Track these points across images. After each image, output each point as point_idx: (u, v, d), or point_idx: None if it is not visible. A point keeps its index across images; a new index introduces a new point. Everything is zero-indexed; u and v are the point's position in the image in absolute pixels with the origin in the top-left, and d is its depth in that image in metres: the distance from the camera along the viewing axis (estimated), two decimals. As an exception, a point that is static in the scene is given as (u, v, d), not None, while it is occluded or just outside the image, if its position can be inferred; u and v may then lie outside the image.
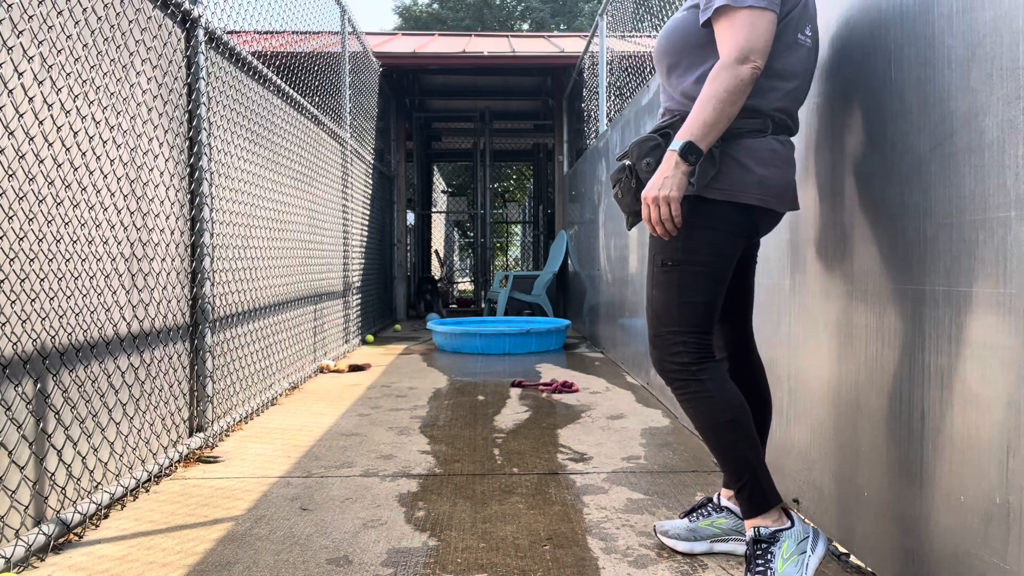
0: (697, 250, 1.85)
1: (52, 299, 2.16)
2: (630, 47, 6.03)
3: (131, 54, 2.65)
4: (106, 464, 2.44)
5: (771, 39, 1.78)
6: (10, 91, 1.98)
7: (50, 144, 2.16)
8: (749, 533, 1.84)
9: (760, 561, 1.81)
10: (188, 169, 3.15)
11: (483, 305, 10.36)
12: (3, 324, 1.95)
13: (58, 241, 2.20)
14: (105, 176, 2.46)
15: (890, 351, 1.79)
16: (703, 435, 1.89)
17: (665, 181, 1.76)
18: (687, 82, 1.92)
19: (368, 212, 7.76)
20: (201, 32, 3.19)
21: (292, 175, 4.74)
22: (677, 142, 1.76)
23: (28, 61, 2.05)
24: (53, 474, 2.15)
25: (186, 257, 3.12)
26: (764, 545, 1.81)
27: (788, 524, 1.82)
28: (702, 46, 1.89)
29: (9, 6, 1.98)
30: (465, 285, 18.44)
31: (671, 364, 1.89)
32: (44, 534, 2.03)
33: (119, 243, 2.54)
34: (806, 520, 1.93)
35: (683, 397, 1.89)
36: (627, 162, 1.93)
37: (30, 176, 2.07)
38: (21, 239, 2.03)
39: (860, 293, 1.92)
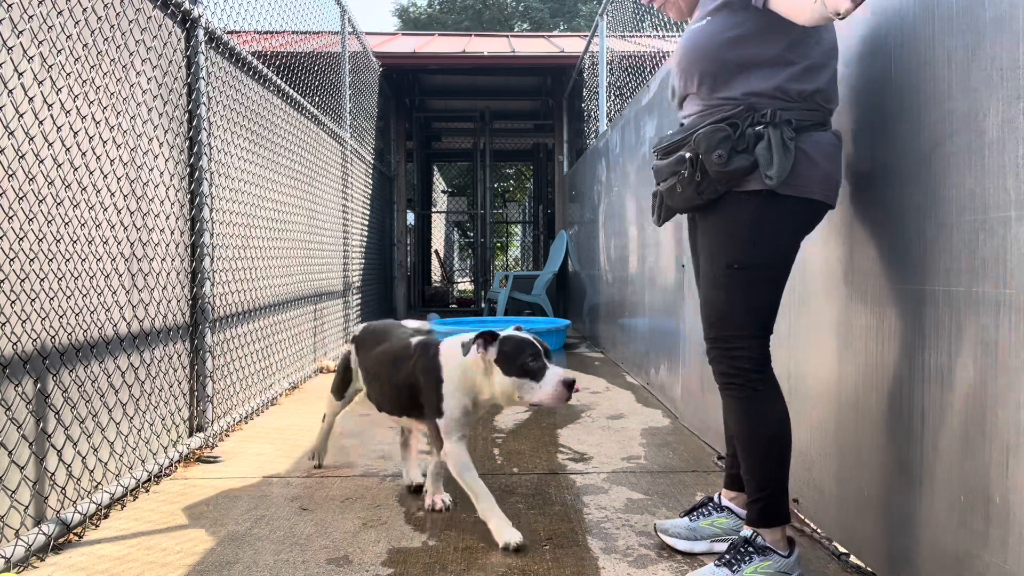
0: (764, 253, 1.78)
1: (52, 299, 2.16)
2: (630, 47, 6.03)
3: (131, 54, 2.65)
4: (106, 464, 2.44)
5: None
6: (10, 91, 1.98)
7: (50, 144, 2.16)
8: (746, 532, 1.84)
9: (736, 557, 1.82)
10: (188, 169, 3.15)
11: (483, 305, 10.36)
12: (3, 324, 1.95)
13: (58, 241, 2.20)
14: (105, 176, 2.46)
15: (890, 351, 1.79)
16: (741, 442, 1.85)
17: None
18: (756, 75, 1.79)
19: (368, 212, 7.76)
20: (201, 32, 3.19)
21: (292, 175, 4.74)
22: None
23: (28, 61, 2.05)
24: (53, 474, 2.15)
25: (186, 257, 3.12)
26: (750, 549, 1.82)
27: (785, 552, 1.82)
28: (758, 32, 1.79)
29: (9, 6, 1.97)
30: (465, 285, 18.43)
31: (731, 369, 1.83)
32: (44, 534, 2.03)
33: (119, 243, 2.54)
34: (803, 561, 1.91)
35: (734, 402, 1.84)
36: (687, 154, 1.83)
37: (30, 176, 2.07)
38: (21, 239, 2.03)
39: (860, 293, 1.92)
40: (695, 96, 1.92)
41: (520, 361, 2.12)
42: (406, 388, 2.37)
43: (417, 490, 2.61)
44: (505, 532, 2.12)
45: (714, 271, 1.85)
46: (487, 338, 2.17)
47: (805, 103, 1.78)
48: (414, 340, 2.42)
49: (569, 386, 2.09)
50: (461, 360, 2.23)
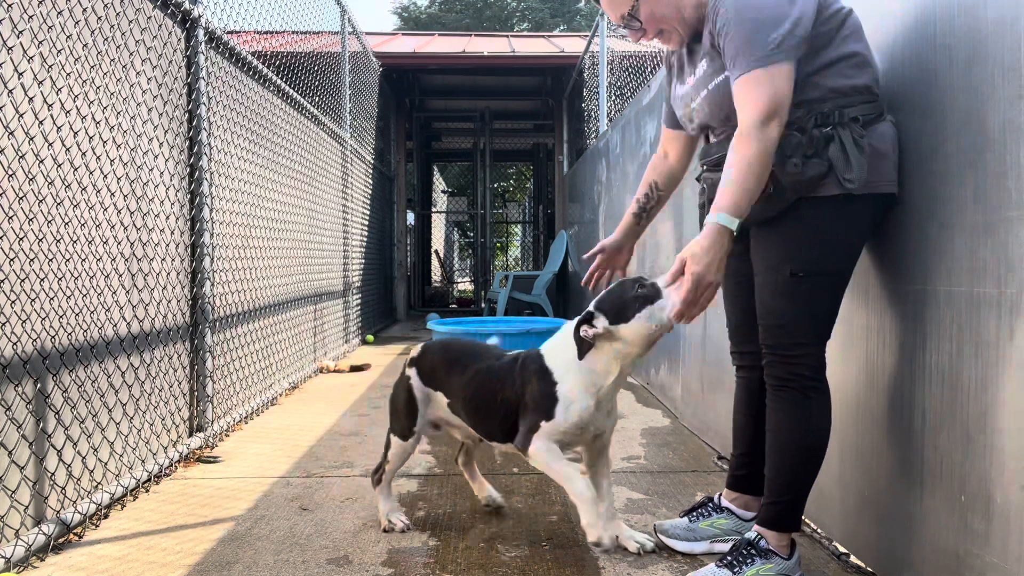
0: (832, 259, 1.74)
1: (52, 299, 2.16)
2: (630, 47, 6.03)
3: (131, 54, 2.65)
4: (106, 464, 2.44)
5: (791, 89, 1.67)
6: (10, 91, 1.98)
7: (50, 144, 2.16)
8: (751, 534, 1.84)
9: (738, 559, 1.81)
10: (188, 169, 3.15)
11: (483, 305, 10.36)
12: (3, 324, 1.95)
13: (58, 241, 2.19)
14: (105, 176, 2.46)
15: (890, 351, 1.79)
16: (778, 444, 1.82)
17: (720, 264, 1.63)
18: (802, 90, 1.71)
19: (368, 212, 7.76)
20: (201, 32, 3.19)
21: (292, 175, 4.74)
22: (730, 217, 1.62)
23: (28, 61, 2.05)
24: (53, 474, 2.15)
25: (186, 257, 3.12)
26: (753, 551, 1.81)
27: (786, 555, 1.82)
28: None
29: (9, 6, 1.97)
30: (465, 285, 18.43)
31: (787, 374, 1.80)
32: (44, 534, 2.03)
33: (119, 243, 2.54)
34: (803, 562, 1.90)
35: (784, 404, 1.81)
36: None
37: (30, 176, 2.06)
38: (21, 239, 2.03)
39: (860, 293, 1.92)
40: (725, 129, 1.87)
41: (632, 295, 1.88)
42: (511, 407, 2.07)
43: (492, 508, 2.43)
44: (594, 530, 1.90)
45: (776, 280, 1.78)
46: (586, 321, 1.93)
47: (861, 96, 1.72)
48: (512, 353, 2.18)
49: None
50: (577, 359, 1.95)
